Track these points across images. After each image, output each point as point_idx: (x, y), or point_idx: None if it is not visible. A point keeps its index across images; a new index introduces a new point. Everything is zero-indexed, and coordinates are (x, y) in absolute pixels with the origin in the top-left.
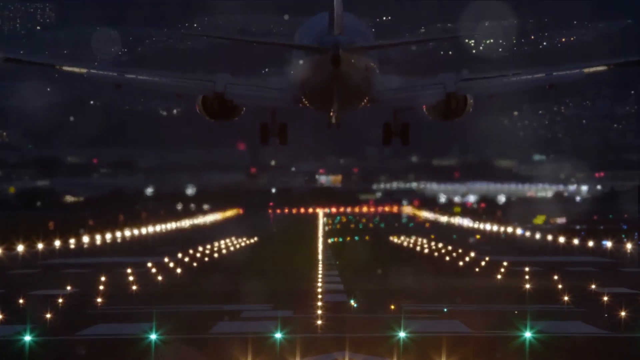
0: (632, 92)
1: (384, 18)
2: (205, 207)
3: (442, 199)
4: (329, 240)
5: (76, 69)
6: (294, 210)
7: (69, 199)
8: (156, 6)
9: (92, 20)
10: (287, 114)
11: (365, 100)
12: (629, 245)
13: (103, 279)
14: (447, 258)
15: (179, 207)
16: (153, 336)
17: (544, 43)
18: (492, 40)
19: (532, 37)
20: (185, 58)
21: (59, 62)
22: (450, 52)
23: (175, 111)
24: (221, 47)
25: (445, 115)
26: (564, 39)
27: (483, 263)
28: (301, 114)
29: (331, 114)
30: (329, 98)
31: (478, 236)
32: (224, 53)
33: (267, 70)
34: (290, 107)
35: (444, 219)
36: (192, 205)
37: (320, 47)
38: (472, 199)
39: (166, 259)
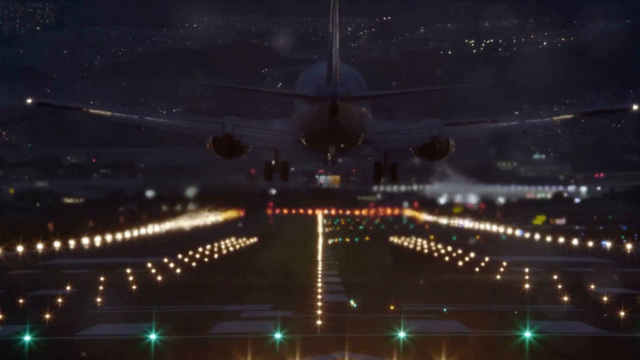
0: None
1: (384, 18)
2: (205, 207)
3: (442, 200)
4: (329, 241)
5: (102, 112)
6: (294, 211)
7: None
8: (156, 6)
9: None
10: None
11: (359, 143)
12: (628, 246)
13: (102, 279)
14: (447, 258)
15: (179, 207)
16: (153, 336)
17: (544, 43)
18: (491, 40)
19: (532, 36)
20: (185, 58)
21: (87, 106)
22: (450, 52)
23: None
24: (221, 47)
25: (430, 156)
26: (563, 39)
27: (483, 263)
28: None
29: (328, 154)
30: (327, 142)
31: (478, 237)
32: (223, 53)
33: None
34: (291, 148)
35: (444, 220)
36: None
37: (320, 97)
38: (472, 200)
39: (166, 260)
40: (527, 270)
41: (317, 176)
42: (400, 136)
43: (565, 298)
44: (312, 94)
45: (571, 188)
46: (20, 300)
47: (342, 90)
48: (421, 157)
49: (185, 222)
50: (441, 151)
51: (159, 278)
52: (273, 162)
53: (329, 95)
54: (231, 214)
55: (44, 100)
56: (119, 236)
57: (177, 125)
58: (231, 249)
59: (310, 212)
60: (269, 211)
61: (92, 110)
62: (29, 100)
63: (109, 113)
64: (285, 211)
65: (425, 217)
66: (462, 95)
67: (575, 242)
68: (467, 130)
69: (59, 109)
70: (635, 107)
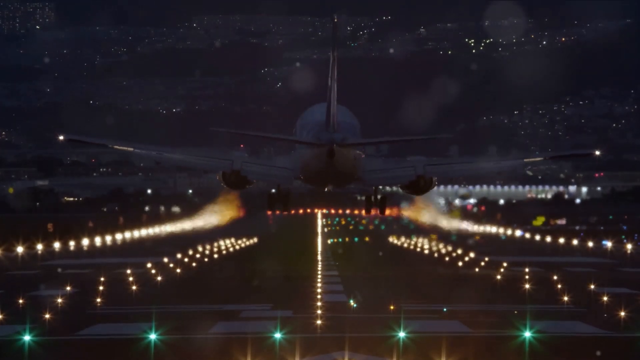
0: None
1: (384, 18)
2: (205, 207)
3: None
4: (329, 241)
5: (125, 148)
6: (293, 211)
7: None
8: (156, 6)
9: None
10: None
11: (352, 181)
12: (629, 246)
13: (102, 279)
14: (447, 259)
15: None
16: (153, 336)
17: (544, 42)
18: (491, 40)
19: (532, 36)
20: (185, 58)
21: (111, 142)
22: (449, 52)
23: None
24: (220, 47)
25: (415, 191)
26: (564, 39)
27: (483, 263)
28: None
29: (325, 189)
30: (324, 180)
31: (477, 237)
32: (223, 52)
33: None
34: (292, 183)
35: (444, 221)
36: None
37: (319, 143)
38: (472, 201)
39: (166, 260)
40: (527, 270)
41: None
42: (389, 174)
43: (565, 298)
44: (312, 140)
45: (572, 188)
46: (20, 300)
47: (339, 137)
48: (407, 191)
49: (185, 223)
50: (425, 187)
51: (159, 278)
52: (274, 191)
53: (327, 142)
54: (231, 213)
55: (73, 136)
56: (118, 236)
57: (191, 162)
58: (231, 249)
59: (309, 212)
60: (269, 212)
61: (116, 147)
62: (61, 137)
63: (131, 149)
64: (284, 211)
65: (425, 217)
66: (463, 95)
67: (575, 242)
68: (447, 170)
69: (87, 145)
70: (597, 152)
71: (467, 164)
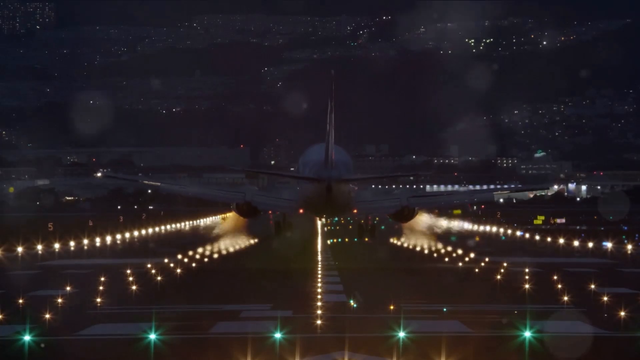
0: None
1: (384, 18)
2: (205, 207)
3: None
4: (328, 241)
5: (153, 183)
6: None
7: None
8: (156, 6)
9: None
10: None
11: (347, 211)
12: (629, 246)
13: (102, 279)
14: (447, 259)
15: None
16: (152, 336)
17: (544, 42)
18: (491, 40)
19: (532, 36)
20: (185, 58)
21: (142, 178)
22: (449, 52)
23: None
24: (220, 47)
25: (400, 220)
26: (563, 38)
27: (483, 264)
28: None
29: (323, 218)
30: (323, 211)
31: (477, 237)
32: (223, 52)
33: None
34: (296, 213)
35: (444, 221)
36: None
37: (319, 179)
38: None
39: (166, 260)
40: (527, 270)
41: None
42: (377, 204)
43: (565, 298)
44: (313, 177)
45: (572, 187)
46: (20, 300)
47: (336, 174)
48: (393, 219)
49: (185, 223)
50: (409, 216)
51: (159, 278)
52: (279, 220)
53: (326, 179)
54: (231, 213)
55: (110, 174)
56: (118, 236)
57: (211, 195)
58: (231, 249)
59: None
60: (269, 211)
61: (145, 182)
62: (99, 174)
63: (158, 184)
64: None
65: (425, 217)
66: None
67: (575, 242)
68: (427, 202)
69: (121, 180)
70: (555, 187)
71: (445, 197)
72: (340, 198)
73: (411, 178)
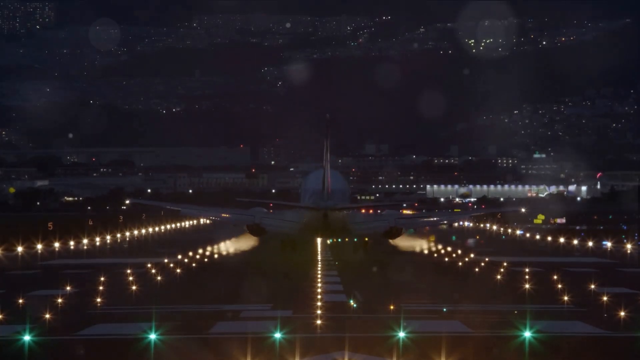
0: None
1: (384, 18)
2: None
3: (443, 200)
4: (328, 241)
5: (175, 207)
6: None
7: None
8: (156, 6)
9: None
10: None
11: (343, 233)
12: (629, 246)
13: (102, 279)
14: (447, 259)
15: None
16: (152, 336)
17: (544, 42)
18: (491, 40)
19: (532, 36)
20: (185, 58)
21: (166, 204)
22: (450, 51)
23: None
24: (220, 47)
25: (389, 238)
26: (563, 39)
27: (483, 263)
28: None
29: (321, 240)
30: (321, 234)
31: (478, 237)
32: (223, 52)
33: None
34: (299, 234)
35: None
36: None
37: (317, 208)
38: (472, 200)
39: (166, 260)
40: (527, 270)
41: None
42: (369, 225)
43: (565, 298)
44: (312, 206)
45: (572, 187)
46: (20, 300)
47: (332, 203)
48: (383, 237)
49: (185, 223)
50: (396, 235)
51: (159, 278)
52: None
53: (323, 207)
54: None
55: (138, 200)
56: (118, 236)
57: (224, 217)
58: (231, 249)
59: None
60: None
61: (167, 207)
62: (127, 201)
63: (179, 209)
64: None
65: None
66: (462, 95)
67: (575, 242)
68: (411, 223)
69: (148, 206)
70: (522, 209)
71: (427, 219)
72: (336, 224)
73: (404, 206)
